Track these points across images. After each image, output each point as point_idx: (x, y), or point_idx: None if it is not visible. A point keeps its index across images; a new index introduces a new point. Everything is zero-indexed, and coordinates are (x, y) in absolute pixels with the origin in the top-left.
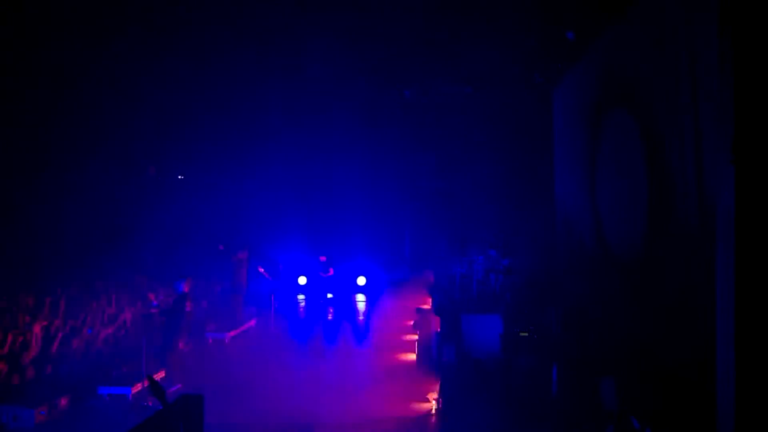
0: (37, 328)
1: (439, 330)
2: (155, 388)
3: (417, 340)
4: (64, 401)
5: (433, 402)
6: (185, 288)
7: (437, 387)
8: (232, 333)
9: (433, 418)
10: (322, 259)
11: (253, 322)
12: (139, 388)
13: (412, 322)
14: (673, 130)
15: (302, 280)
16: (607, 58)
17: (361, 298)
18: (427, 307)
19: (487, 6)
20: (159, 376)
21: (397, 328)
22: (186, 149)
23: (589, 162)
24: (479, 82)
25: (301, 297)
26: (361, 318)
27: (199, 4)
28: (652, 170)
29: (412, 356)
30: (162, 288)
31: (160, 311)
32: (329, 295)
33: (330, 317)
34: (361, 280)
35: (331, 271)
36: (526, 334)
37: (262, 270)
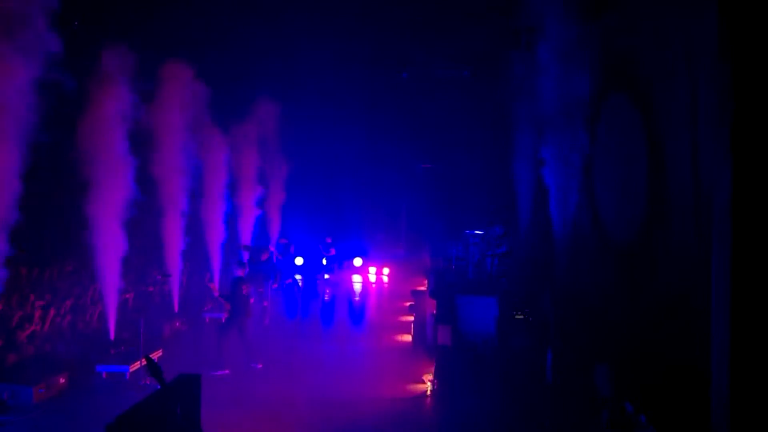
0: (37, 305)
1: (434, 312)
2: (153, 367)
3: (412, 322)
4: (62, 379)
5: (428, 383)
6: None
7: (432, 369)
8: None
9: (428, 400)
10: (328, 240)
11: (250, 302)
12: (137, 367)
13: (407, 304)
14: (671, 117)
15: (299, 261)
16: (607, 41)
17: (357, 279)
18: (423, 288)
19: None
20: (156, 355)
21: (393, 310)
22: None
23: (587, 146)
24: (476, 63)
25: (298, 277)
26: (357, 299)
27: None
28: (652, 156)
29: (408, 338)
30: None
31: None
32: (326, 276)
33: (327, 298)
34: (358, 261)
35: (333, 251)
36: (522, 317)
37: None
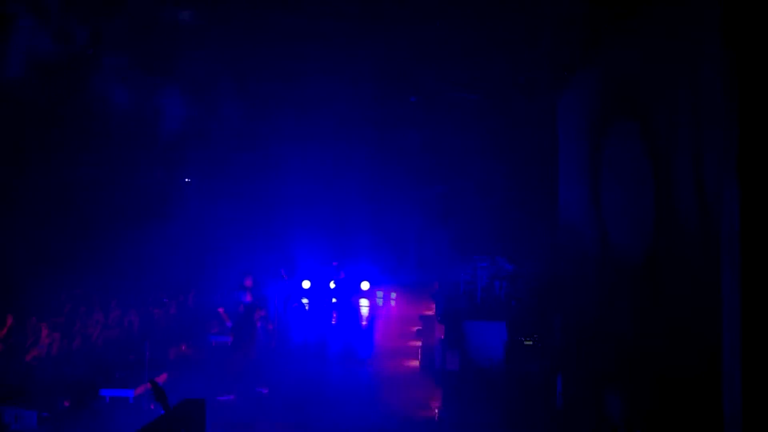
0: (43, 327)
1: (442, 337)
2: (157, 392)
3: (420, 347)
4: (66, 403)
5: (436, 410)
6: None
7: (440, 395)
8: None
9: (436, 426)
10: (334, 264)
11: (256, 326)
12: (142, 391)
13: (415, 329)
14: (676, 142)
15: (306, 284)
16: (612, 66)
17: (364, 303)
18: (430, 313)
19: (493, 14)
20: (161, 379)
21: (401, 334)
22: (195, 156)
23: (594, 170)
24: (484, 88)
25: (305, 301)
26: (364, 323)
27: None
28: (658, 179)
29: (416, 363)
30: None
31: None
32: (333, 300)
33: (334, 322)
34: (365, 285)
35: (343, 274)
36: (531, 343)
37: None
